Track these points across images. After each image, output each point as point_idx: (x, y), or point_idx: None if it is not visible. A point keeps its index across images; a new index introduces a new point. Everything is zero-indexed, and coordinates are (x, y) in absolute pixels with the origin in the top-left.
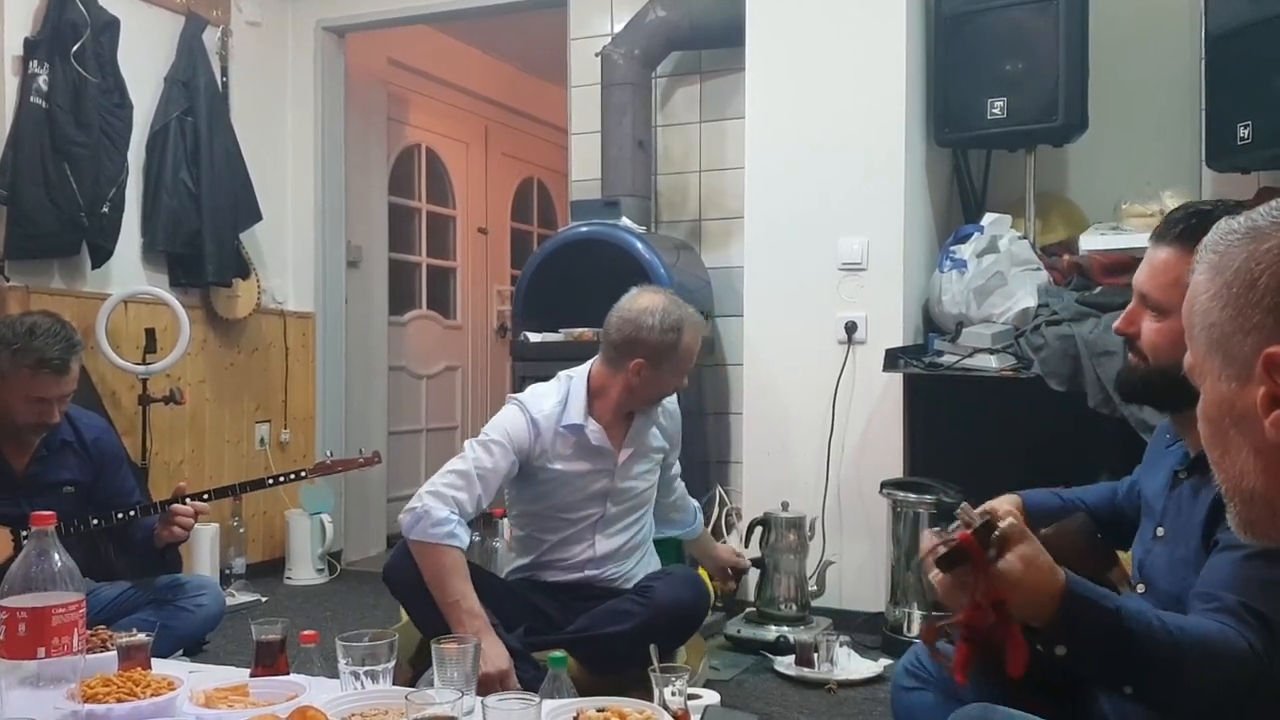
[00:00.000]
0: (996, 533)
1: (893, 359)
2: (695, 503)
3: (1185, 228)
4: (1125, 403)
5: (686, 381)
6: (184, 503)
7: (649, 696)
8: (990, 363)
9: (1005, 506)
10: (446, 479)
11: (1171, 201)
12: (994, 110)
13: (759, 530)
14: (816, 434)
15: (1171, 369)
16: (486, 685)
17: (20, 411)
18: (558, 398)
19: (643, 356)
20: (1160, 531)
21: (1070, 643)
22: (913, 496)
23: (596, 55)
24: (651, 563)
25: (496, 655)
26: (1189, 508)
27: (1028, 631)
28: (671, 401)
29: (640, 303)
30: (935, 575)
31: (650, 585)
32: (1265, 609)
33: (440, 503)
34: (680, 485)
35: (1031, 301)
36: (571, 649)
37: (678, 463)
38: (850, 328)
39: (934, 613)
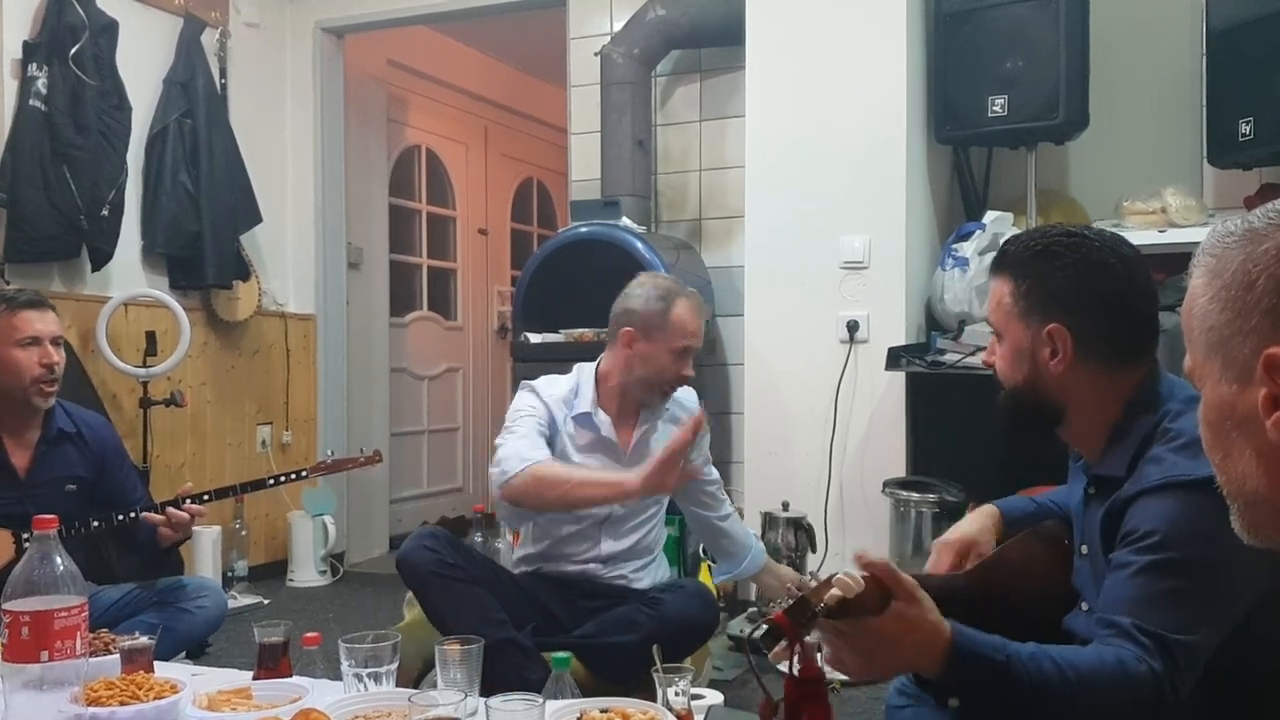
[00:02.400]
0: (815, 609)
1: (895, 358)
2: (752, 533)
3: (998, 254)
4: (1010, 436)
5: (692, 371)
6: (180, 505)
7: (652, 697)
8: None
9: (841, 574)
10: (522, 433)
11: (1173, 198)
12: (995, 108)
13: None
14: (818, 433)
15: (1017, 389)
16: (653, 479)
17: (20, 361)
18: (569, 385)
19: (631, 325)
20: (1084, 549)
21: (962, 695)
22: (915, 496)
23: (596, 55)
24: (661, 569)
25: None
26: (1095, 529)
27: (922, 683)
28: (691, 400)
29: (635, 281)
30: (769, 653)
31: (660, 598)
32: (1159, 626)
33: (515, 448)
34: (726, 505)
35: None
36: (578, 653)
37: (716, 476)
38: (852, 326)
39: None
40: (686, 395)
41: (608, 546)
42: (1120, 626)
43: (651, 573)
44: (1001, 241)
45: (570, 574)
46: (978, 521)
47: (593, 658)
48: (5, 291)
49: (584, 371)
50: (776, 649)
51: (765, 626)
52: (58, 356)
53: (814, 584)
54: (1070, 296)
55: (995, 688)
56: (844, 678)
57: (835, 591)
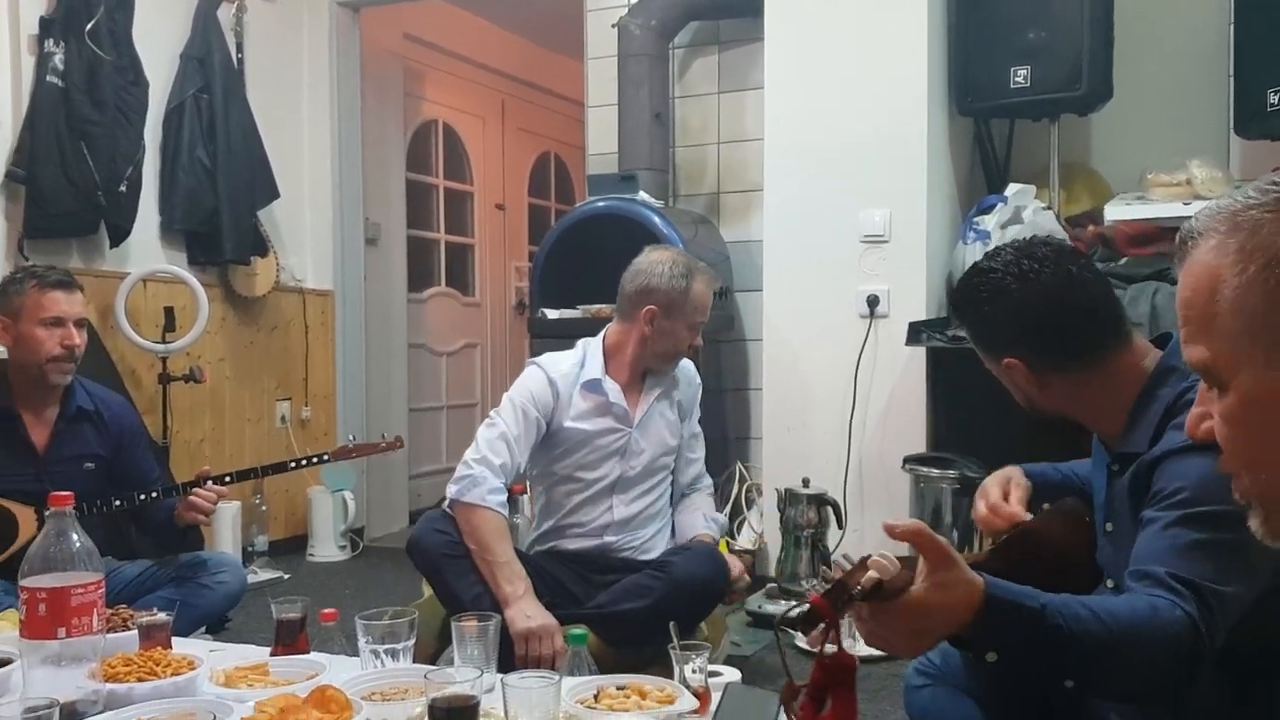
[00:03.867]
0: (853, 591)
1: (915, 332)
2: (714, 522)
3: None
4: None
5: (701, 341)
6: (204, 485)
7: (669, 674)
8: None
9: (880, 552)
10: (487, 444)
11: (1199, 170)
12: (1017, 79)
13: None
14: (838, 409)
15: (1030, 410)
16: (534, 641)
17: (41, 342)
18: (575, 359)
19: (655, 304)
20: (1109, 527)
21: (998, 648)
22: (936, 472)
23: (613, 27)
24: (670, 537)
25: (542, 615)
26: (1122, 501)
27: (958, 642)
28: (690, 370)
29: (652, 256)
30: (804, 638)
31: (669, 560)
32: (1192, 574)
33: (488, 469)
34: (698, 468)
35: None
36: (591, 625)
37: (697, 440)
38: (872, 301)
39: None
40: (686, 365)
41: (620, 511)
42: (1154, 576)
43: (662, 538)
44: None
45: (583, 549)
46: (1002, 479)
47: (606, 628)
48: (35, 269)
49: (589, 344)
50: (814, 633)
51: (802, 610)
52: (79, 339)
53: (849, 566)
54: (999, 334)
55: (1031, 635)
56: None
57: (872, 574)
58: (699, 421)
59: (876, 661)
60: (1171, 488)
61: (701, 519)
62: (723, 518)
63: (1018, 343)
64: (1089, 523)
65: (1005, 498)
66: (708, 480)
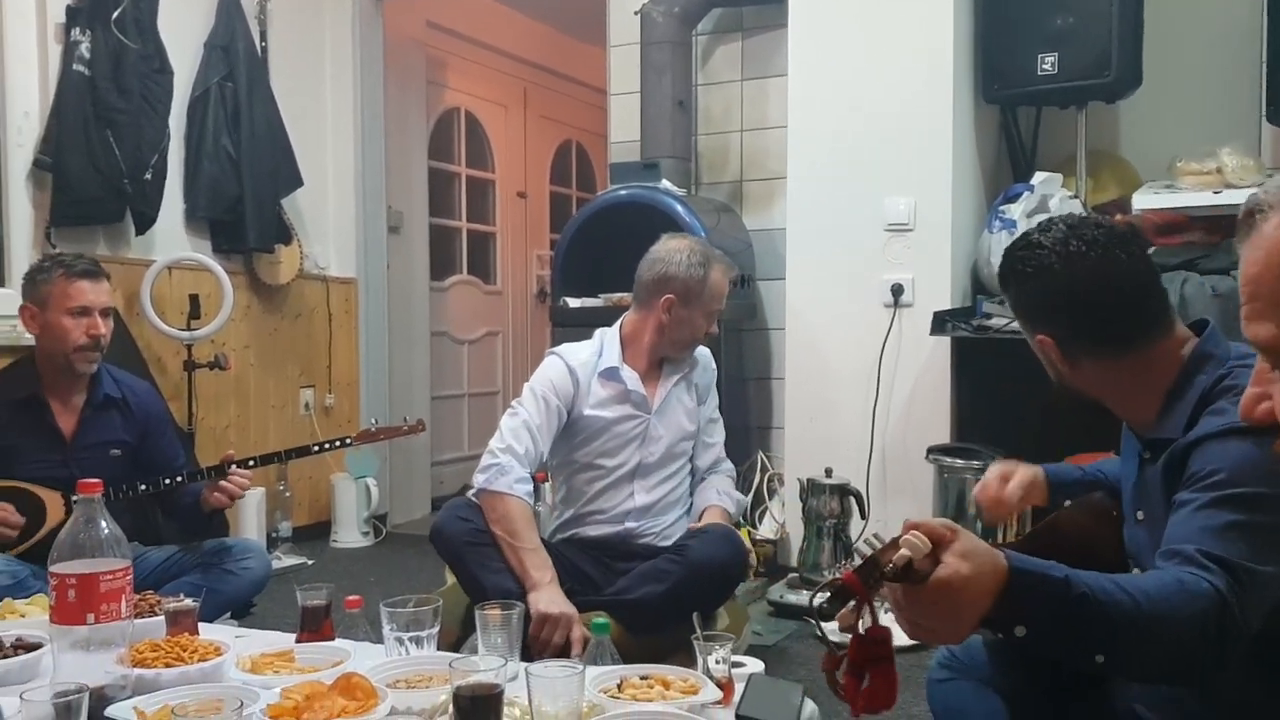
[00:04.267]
0: (885, 568)
1: (940, 322)
2: (729, 500)
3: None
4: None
5: (717, 329)
6: (229, 470)
7: (692, 663)
8: None
9: (908, 534)
10: (511, 433)
11: (1230, 158)
12: (1044, 66)
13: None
14: (861, 399)
15: (1061, 387)
16: (550, 626)
17: (67, 331)
18: (593, 348)
19: (673, 292)
20: (1140, 515)
21: (1026, 621)
22: (960, 462)
23: (636, 14)
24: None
25: (563, 604)
26: (1155, 487)
27: (985, 623)
28: (706, 355)
29: (669, 244)
30: (836, 616)
31: (686, 544)
32: (1224, 552)
33: (513, 458)
34: (716, 452)
35: None
36: (611, 611)
37: (715, 425)
38: (897, 290)
39: (835, 643)
40: (702, 351)
41: (641, 498)
42: (1184, 554)
43: (682, 526)
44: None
45: (604, 536)
46: (1028, 473)
47: (625, 614)
48: (63, 258)
49: (606, 333)
50: (844, 610)
51: (834, 586)
52: (104, 328)
53: (880, 545)
54: (1036, 309)
55: (1059, 606)
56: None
57: (904, 552)
58: (718, 409)
59: (900, 653)
60: (1207, 470)
61: (714, 493)
62: (742, 497)
63: (1052, 321)
64: (1115, 516)
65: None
66: (728, 465)
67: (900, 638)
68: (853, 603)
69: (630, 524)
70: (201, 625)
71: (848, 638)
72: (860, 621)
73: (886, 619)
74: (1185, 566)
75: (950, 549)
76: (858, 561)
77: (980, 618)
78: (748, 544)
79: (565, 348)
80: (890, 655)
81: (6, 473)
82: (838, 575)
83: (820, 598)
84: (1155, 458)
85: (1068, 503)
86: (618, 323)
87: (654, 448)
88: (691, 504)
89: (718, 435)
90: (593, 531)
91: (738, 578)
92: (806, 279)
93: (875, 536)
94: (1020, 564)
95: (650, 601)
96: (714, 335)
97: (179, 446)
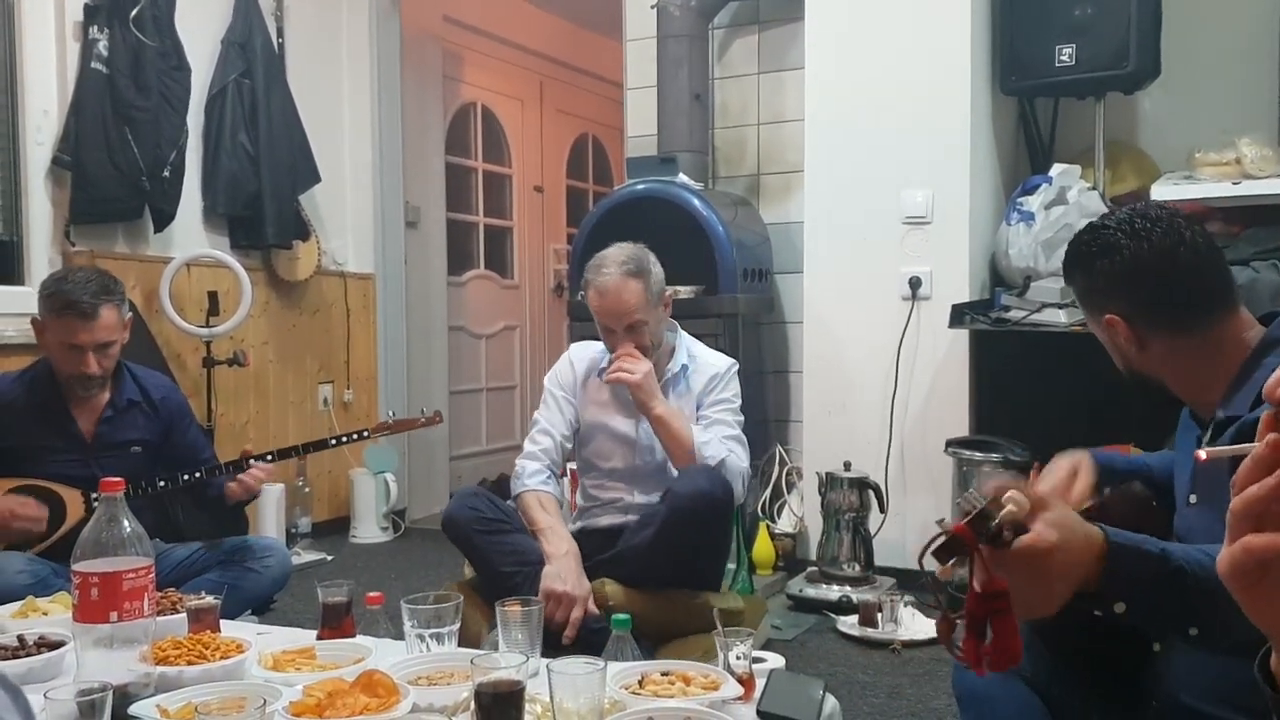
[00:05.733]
0: (996, 520)
1: (959, 315)
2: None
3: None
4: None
5: (643, 340)
6: (247, 464)
7: (712, 658)
8: (1059, 317)
9: (1010, 490)
10: (529, 439)
11: (1248, 149)
12: (1062, 57)
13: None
14: (879, 392)
15: (1127, 372)
16: (554, 603)
17: (59, 359)
18: (603, 346)
19: (665, 290)
20: (1193, 499)
21: (1127, 597)
22: (979, 455)
23: (652, 7)
24: None
25: (575, 581)
26: (1215, 469)
27: (1081, 599)
28: (714, 362)
29: (646, 255)
30: (937, 568)
31: (669, 486)
32: None
33: (526, 459)
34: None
35: None
36: (611, 572)
37: (715, 409)
38: (914, 283)
39: (948, 608)
40: (715, 359)
41: (639, 497)
42: None
43: None
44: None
45: (614, 525)
46: (1070, 461)
47: (625, 569)
48: (67, 292)
49: None
50: (948, 565)
51: (943, 539)
52: (95, 368)
53: (982, 502)
54: (1104, 289)
55: (1158, 581)
56: (905, 638)
57: (1011, 508)
58: (735, 409)
59: (919, 645)
60: None
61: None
62: (739, 461)
63: (1122, 298)
64: (1155, 507)
65: (1072, 480)
66: (734, 447)
67: (926, 630)
68: (956, 557)
69: (633, 516)
70: (223, 622)
71: (963, 596)
72: (973, 574)
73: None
74: None
75: (1041, 516)
76: (963, 516)
77: (1072, 589)
78: (741, 482)
79: (577, 345)
80: (1009, 607)
81: (28, 472)
82: (946, 530)
83: (933, 555)
84: (1215, 441)
85: (1107, 490)
86: None
87: (647, 455)
88: None
89: (716, 416)
90: (603, 521)
91: (724, 507)
92: (824, 272)
93: (973, 492)
94: (1117, 538)
95: (642, 547)
96: (643, 347)
97: (204, 441)
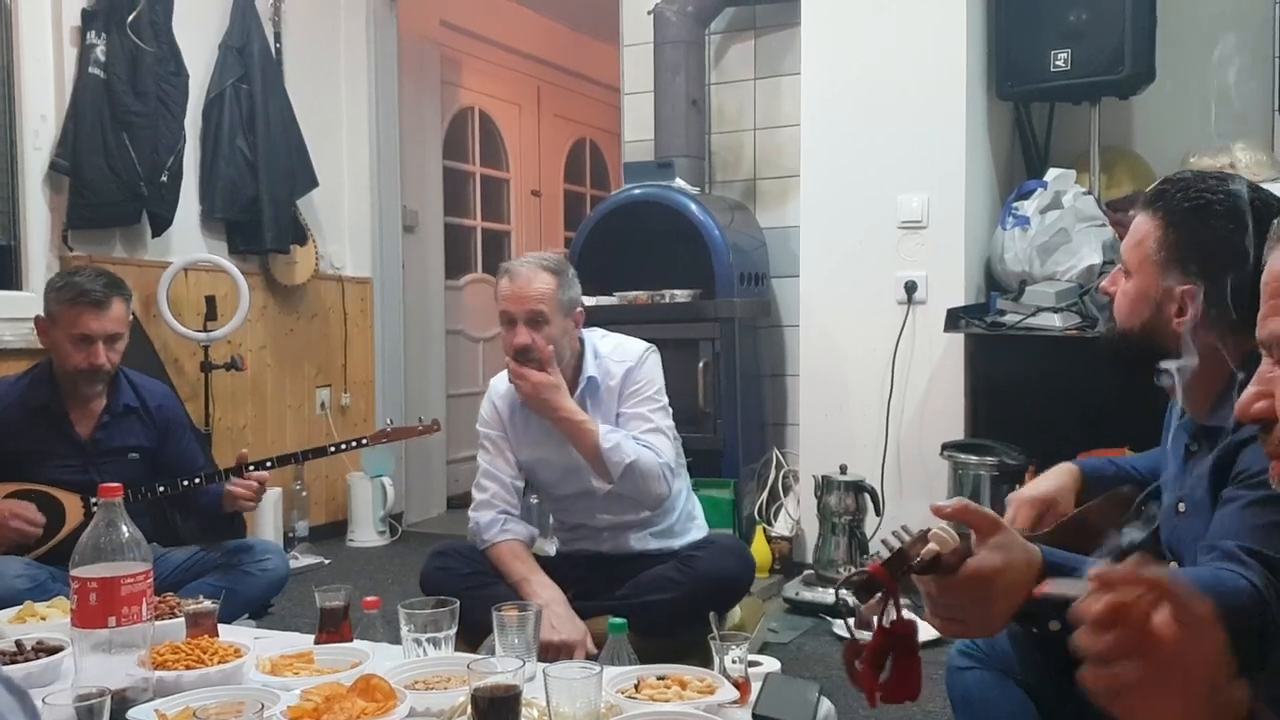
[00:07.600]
0: (914, 561)
1: (954, 319)
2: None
3: (1154, 193)
4: (1114, 371)
5: (526, 339)
6: (245, 471)
7: (709, 663)
8: (1054, 322)
9: (939, 525)
10: (476, 487)
11: (1243, 153)
12: (1057, 62)
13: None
14: (875, 396)
15: (1131, 333)
16: (553, 654)
17: (69, 354)
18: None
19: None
20: (1181, 507)
21: (1060, 615)
22: (974, 459)
23: (649, 13)
24: (697, 528)
25: (568, 626)
26: (1201, 480)
27: (1020, 618)
28: (618, 351)
29: (567, 266)
30: (851, 601)
31: (695, 555)
32: (1265, 549)
33: (480, 510)
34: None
35: (1096, 259)
36: (616, 615)
37: (632, 410)
38: (910, 287)
39: (857, 633)
40: (612, 351)
41: (609, 519)
42: (1223, 549)
43: (688, 526)
44: (1160, 180)
45: (600, 551)
46: (1057, 480)
47: (632, 617)
48: (80, 279)
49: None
50: (870, 602)
51: (861, 577)
52: (105, 359)
53: (909, 538)
54: (1214, 260)
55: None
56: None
57: (931, 546)
58: (660, 408)
59: (923, 646)
60: (1258, 467)
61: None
62: (638, 448)
63: (1219, 278)
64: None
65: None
66: (655, 440)
67: (926, 632)
68: (879, 595)
69: (606, 535)
70: (221, 627)
71: (869, 633)
72: (885, 613)
73: (911, 619)
74: (1224, 562)
75: (988, 541)
76: (885, 554)
77: (1013, 611)
78: (762, 543)
79: (495, 380)
80: (915, 649)
81: (26, 476)
82: (864, 567)
83: (846, 590)
84: (1203, 449)
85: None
86: None
87: (588, 477)
88: (699, 511)
89: (633, 426)
90: (589, 547)
91: (743, 590)
92: (820, 276)
93: (903, 529)
94: (1054, 558)
95: (657, 608)
96: (523, 344)
97: (198, 449)
